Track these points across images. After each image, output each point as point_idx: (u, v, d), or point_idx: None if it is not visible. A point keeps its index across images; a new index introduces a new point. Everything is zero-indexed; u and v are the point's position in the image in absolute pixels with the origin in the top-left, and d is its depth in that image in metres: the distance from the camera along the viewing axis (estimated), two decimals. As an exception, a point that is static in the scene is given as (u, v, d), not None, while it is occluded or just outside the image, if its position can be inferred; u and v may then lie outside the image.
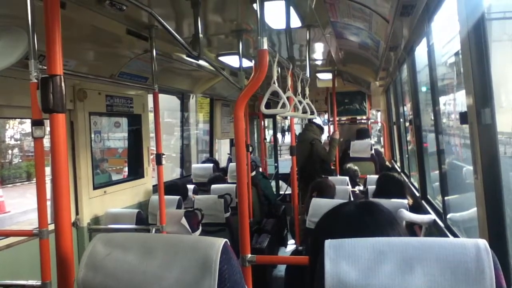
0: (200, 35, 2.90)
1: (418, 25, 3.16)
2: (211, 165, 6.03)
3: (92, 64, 3.79)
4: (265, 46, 2.02)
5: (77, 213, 3.82)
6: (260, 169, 6.97)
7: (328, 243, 0.82)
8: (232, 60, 4.73)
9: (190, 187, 4.99)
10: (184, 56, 4.24)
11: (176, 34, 2.69)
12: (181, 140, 6.39)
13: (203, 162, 6.61)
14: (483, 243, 0.77)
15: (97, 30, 3.14)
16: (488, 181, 1.81)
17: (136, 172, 4.78)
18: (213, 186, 4.92)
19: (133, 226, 3.74)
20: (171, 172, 6.93)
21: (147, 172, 4.79)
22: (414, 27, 3.26)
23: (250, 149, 5.44)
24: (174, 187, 4.46)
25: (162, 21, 2.60)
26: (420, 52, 3.89)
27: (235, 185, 4.66)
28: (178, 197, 4.12)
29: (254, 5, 2.17)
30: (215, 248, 1.08)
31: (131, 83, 4.17)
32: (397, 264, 0.77)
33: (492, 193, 1.80)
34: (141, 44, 3.59)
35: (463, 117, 2.01)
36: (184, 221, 3.57)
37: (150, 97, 4.53)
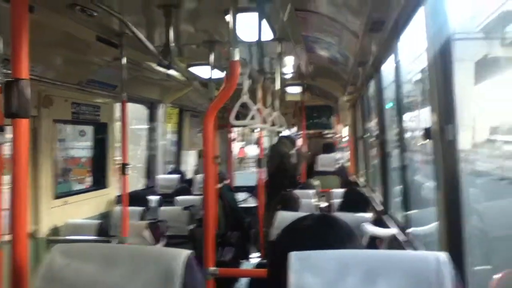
0: (172, 44, 2.88)
1: (386, 42, 3.24)
2: (177, 176, 5.96)
3: (59, 70, 3.69)
4: (237, 58, 2.03)
5: (35, 224, 3.68)
6: (227, 182, 6.93)
7: (293, 255, 0.82)
8: (202, 71, 4.72)
9: (155, 198, 4.91)
10: (155, 65, 4.20)
11: (147, 42, 2.67)
12: (148, 150, 6.29)
13: (169, 173, 6.52)
14: (443, 255, 0.78)
15: (66, 36, 3.07)
16: (450, 196, 1.86)
17: (99, 182, 4.66)
18: (178, 197, 4.86)
19: (94, 237, 3.63)
20: (136, 182, 6.81)
21: (111, 182, 4.69)
22: (383, 43, 3.34)
23: (218, 161, 5.41)
24: (138, 198, 4.38)
25: (133, 29, 2.58)
26: (387, 69, 3.99)
27: (201, 197, 4.62)
28: (141, 208, 4.05)
29: (227, 17, 2.17)
30: (179, 260, 1.06)
31: (99, 91, 4.09)
32: (361, 276, 0.77)
33: (453, 208, 1.86)
34: (111, 51, 3.53)
35: (427, 133, 2.06)
36: (146, 233, 3.50)
37: (117, 106, 4.44)
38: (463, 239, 1.86)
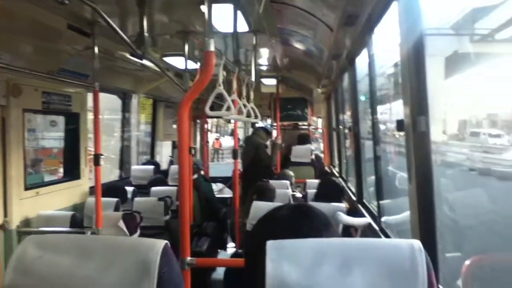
0: (145, 34, 2.84)
1: (360, 35, 3.28)
2: (152, 167, 5.91)
3: (29, 58, 3.59)
4: (212, 48, 2.02)
5: (5, 215, 3.59)
6: (202, 172, 6.92)
7: (269, 244, 0.82)
8: (177, 61, 4.67)
9: (129, 189, 4.86)
10: (128, 55, 4.13)
11: (120, 32, 2.62)
12: (121, 141, 6.21)
13: (144, 164, 6.46)
14: (417, 243, 0.81)
15: (35, 23, 2.99)
16: (422, 186, 1.91)
17: (72, 173, 4.58)
18: (153, 188, 4.82)
19: (67, 229, 3.58)
20: (110, 173, 6.72)
21: (84, 173, 4.61)
22: (357, 37, 3.38)
23: (193, 151, 5.39)
24: (113, 189, 4.33)
25: (106, 17, 2.52)
26: (361, 62, 4.03)
27: (176, 187, 4.59)
28: (116, 199, 4.00)
29: (202, 7, 2.16)
30: (155, 250, 1.06)
31: (71, 80, 4.00)
32: (337, 265, 0.79)
33: (424, 197, 1.91)
34: (83, 40, 3.45)
35: (400, 125, 2.10)
36: (121, 223, 3.46)
37: (90, 96, 4.36)
38: (435, 227, 1.91)
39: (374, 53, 3.48)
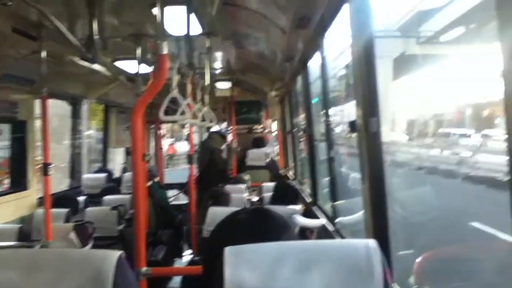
0: (96, 37, 2.76)
1: (312, 38, 3.32)
2: (104, 175, 5.74)
3: (-31, 63, 3.41)
4: (165, 51, 1.99)
5: None
6: (157, 179, 6.80)
7: (228, 250, 0.82)
8: (129, 65, 4.57)
9: (81, 199, 4.70)
10: (77, 59, 4.00)
11: (69, 35, 2.53)
12: (72, 149, 6.00)
13: (95, 172, 6.27)
14: (372, 243, 0.82)
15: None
16: (374, 186, 1.95)
17: (19, 184, 4.37)
18: (105, 197, 4.69)
19: (14, 243, 3.40)
20: (59, 183, 6.48)
21: (32, 183, 4.41)
22: (309, 40, 3.42)
23: (147, 158, 5.29)
24: (63, 199, 4.17)
25: (53, 20, 2.43)
26: (314, 64, 4.10)
27: (130, 195, 4.48)
28: (66, 210, 3.86)
29: (154, 9, 2.12)
30: (109, 262, 1.02)
31: (17, 86, 3.82)
32: (296, 267, 0.79)
33: (377, 197, 1.95)
34: (29, 43, 3.31)
35: (352, 126, 2.15)
36: (73, 235, 3.34)
37: (38, 102, 4.18)
38: (388, 226, 1.96)
39: (326, 55, 3.54)
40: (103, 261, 1.02)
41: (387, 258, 0.83)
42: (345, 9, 2.32)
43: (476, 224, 8.77)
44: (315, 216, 3.93)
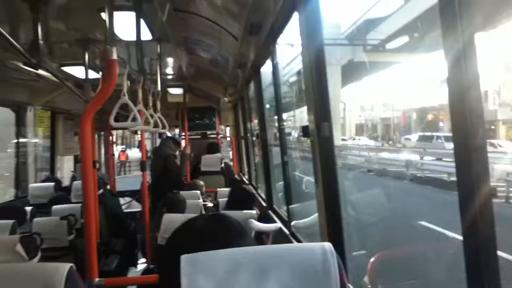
0: (40, 42, 2.65)
1: (264, 44, 3.36)
2: (52, 184, 5.53)
3: None
4: (115, 56, 1.95)
5: None
6: (108, 187, 6.62)
7: (184, 258, 0.81)
8: (77, 71, 4.43)
9: (28, 209, 4.49)
10: (21, 64, 3.83)
11: (11, 39, 2.42)
12: (16, 157, 5.74)
13: (43, 181, 6.02)
14: (328, 245, 0.84)
15: None
16: (328, 189, 2.00)
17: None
18: (54, 207, 4.50)
19: None
20: (4, 193, 6.18)
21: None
22: (261, 46, 3.46)
23: (97, 165, 5.14)
24: (8, 210, 3.97)
25: (-7, 24, 2.32)
26: (267, 70, 4.14)
27: (80, 204, 4.34)
28: (12, 221, 3.67)
29: (103, 14, 2.07)
30: (59, 275, 0.98)
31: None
32: (253, 274, 0.79)
33: (331, 200, 1.99)
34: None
35: (305, 131, 2.19)
36: (19, 247, 3.18)
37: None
38: (342, 228, 2.01)
39: (278, 62, 3.59)
40: (52, 273, 0.99)
41: (342, 260, 0.85)
42: (296, 17, 2.36)
43: (424, 223, 9.15)
44: (270, 220, 3.96)
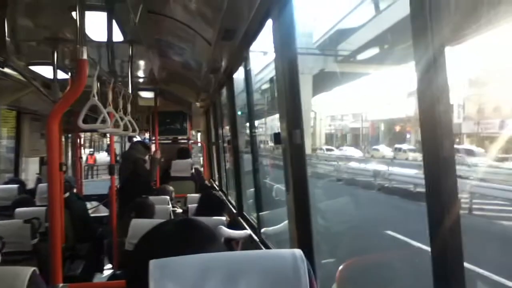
0: (7, 39, 2.58)
1: (238, 50, 3.36)
2: (16, 186, 5.36)
3: None
4: (85, 56, 1.91)
5: None
6: (75, 190, 6.47)
7: (152, 263, 0.79)
8: (45, 71, 4.32)
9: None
10: (-15, 62, 3.71)
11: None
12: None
13: (6, 183, 5.83)
14: (298, 252, 0.83)
15: None
16: (299, 196, 2.00)
17: None
18: (17, 209, 4.37)
19: None
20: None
21: None
22: (234, 52, 3.46)
23: (64, 168, 5.02)
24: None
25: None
26: (239, 77, 4.15)
27: (45, 207, 4.22)
28: (-30, 225, 3.54)
29: (73, 13, 2.03)
30: (21, 279, 0.95)
31: None
32: (223, 280, 0.78)
33: (301, 207, 2.00)
34: None
35: (277, 138, 2.19)
36: (-22, 252, 3.06)
37: None
38: (312, 235, 2.02)
39: (251, 68, 3.60)
40: (14, 278, 0.95)
41: (312, 267, 0.84)
42: (270, 25, 2.37)
43: (390, 232, 9.32)
44: (240, 227, 3.94)
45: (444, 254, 1.18)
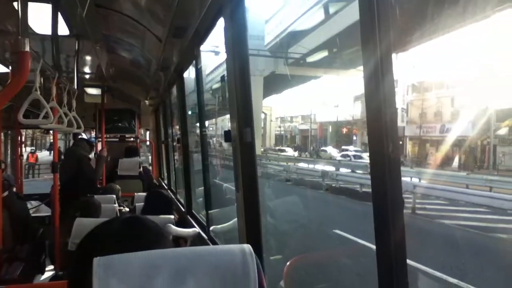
0: None
1: (188, 48, 3.32)
2: None
3: None
4: (27, 48, 1.82)
5: None
6: (15, 189, 6.16)
7: (96, 261, 0.77)
8: (-18, 63, 4.09)
9: None
10: None
11: None
12: None
13: None
14: (248, 247, 0.84)
15: None
16: (248, 193, 2.01)
17: None
18: (-50, 210, 4.11)
19: None
20: None
21: None
22: (185, 50, 3.42)
23: (3, 166, 4.77)
24: None
25: None
26: (190, 76, 4.11)
27: (-19, 208, 4.00)
28: None
29: (15, 4, 1.93)
30: None
31: None
32: (170, 276, 0.77)
33: (251, 204, 2.01)
34: None
35: (227, 136, 2.19)
36: None
37: None
38: (261, 232, 2.03)
39: (202, 67, 3.57)
40: None
41: (261, 262, 0.85)
42: (221, 24, 2.36)
43: (337, 231, 9.57)
44: (189, 225, 3.91)
45: (388, 250, 1.22)
